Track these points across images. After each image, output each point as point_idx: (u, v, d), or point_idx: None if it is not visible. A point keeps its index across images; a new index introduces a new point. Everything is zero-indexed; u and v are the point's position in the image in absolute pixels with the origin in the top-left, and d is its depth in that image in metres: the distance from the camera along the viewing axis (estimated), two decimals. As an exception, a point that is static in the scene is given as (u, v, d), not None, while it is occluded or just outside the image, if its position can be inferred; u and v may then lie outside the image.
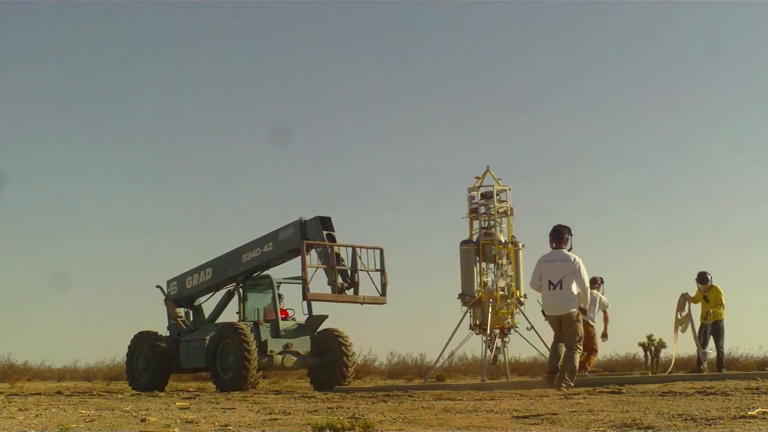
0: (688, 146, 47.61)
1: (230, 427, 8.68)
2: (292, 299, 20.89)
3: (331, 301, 18.16)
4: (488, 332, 21.48)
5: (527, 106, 48.54)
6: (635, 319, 40.53)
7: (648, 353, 29.03)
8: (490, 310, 21.64)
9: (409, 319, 41.67)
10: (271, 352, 19.03)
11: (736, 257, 44.68)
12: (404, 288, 42.12)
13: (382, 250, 18.54)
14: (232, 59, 48.15)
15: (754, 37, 46.89)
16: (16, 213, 44.71)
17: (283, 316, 20.22)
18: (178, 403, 12.87)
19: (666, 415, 8.59)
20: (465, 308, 21.95)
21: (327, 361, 19.62)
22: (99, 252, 47.86)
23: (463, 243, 22.23)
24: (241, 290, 20.25)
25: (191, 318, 21.28)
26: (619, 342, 48.23)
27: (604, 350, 37.32)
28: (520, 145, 46.94)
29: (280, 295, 20.30)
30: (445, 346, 22.21)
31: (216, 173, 48.10)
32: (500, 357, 22.38)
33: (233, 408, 11.60)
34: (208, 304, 21.33)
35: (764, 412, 8.52)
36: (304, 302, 19.62)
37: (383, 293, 18.48)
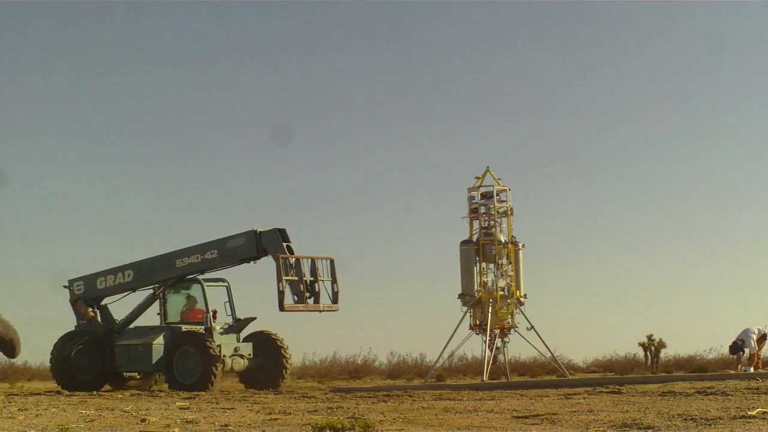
0: (688, 146, 47.55)
1: (230, 427, 8.69)
2: (212, 301, 21.06)
3: (302, 311, 18.84)
4: (488, 332, 21.50)
5: (527, 106, 48.41)
6: (635, 319, 40.51)
7: (648, 353, 29.05)
8: (490, 310, 21.66)
9: (409, 319, 41.63)
10: (224, 356, 19.41)
11: (736, 257, 44.67)
12: (404, 288, 42.12)
13: (332, 261, 19.24)
14: (232, 59, 48.08)
15: (754, 37, 46.85)
16: (16, 213, 44.68)
17: (201, 317, 20.43)
18: (178, 403, 12.87)
19: (666, 415, 8.60)
20: (465, 308, 21.97)
21: (262, 362, 19.99)
22: (99, 252, 47.77)
23: (463, 243, 22.25)
24: (162, 293, 20.48)
25: (98, 318, 21.22)
26: (619, 342, 48.18)
27: (604, 350, 37.34)
28: (520, 145, 46.85)
29: (194, 297, 20.56)
30: (445, 346, 22.26)
31: (221, 173, 47.98)
32: (500, 357, 22.40)
33: (233, 408, 11.61)
34: (119, 304, 21.39)
35: (764, 412, 8.54)
36: (226, 303, 20.29)
37: (335, 300, 19.19)
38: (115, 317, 21.11)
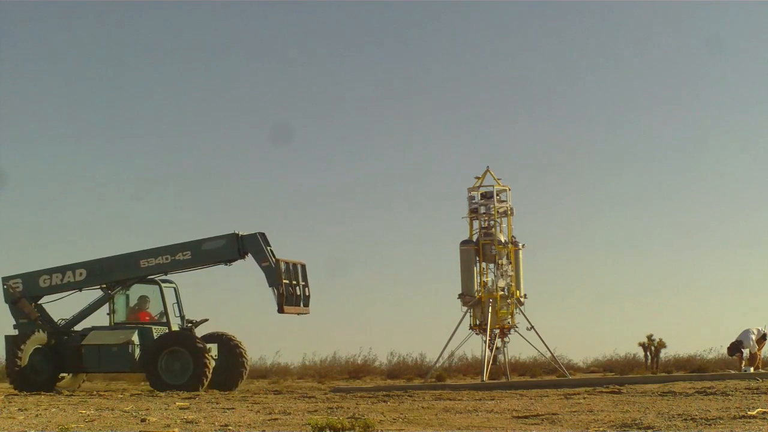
0: (688, 146, 47.59)
1: (230, 427, 8.70)
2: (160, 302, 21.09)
3: (293, 313, 19.11)
4: (488, 332, 21.52)
5: (527, 106, 48.46)
6: (635, 319, 40.53)
7: (648, 353, 29.07)
8: (490, 310, 21.68)
9: (409, 319, 41.66)
10: None
11: (736, 257, 44.69)
12: (404, 288, 42.14)
13: (304, 265, 19.51)
14: (232, 59, 48.11)
15: (754, 37, 46.88)
16: (17, 213, 44.69)
17: (149, 318, 20.38)
18: (178, 403, 12.87)
19: (666, 415, 8.61)
20: (465, 308, 21.99)
21: (220, 363, 20.04)
22: (98, 252, 47.64)
23: (463, 243, 22.27)
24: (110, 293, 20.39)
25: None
26: (619, 342, 48.18)
27: (604, 350, 37.33)
28: (520, 145, 46.88)
29: (146, 297, 20.50)
30: (445, 346, 22.29)
31: (223, 172, 47.97)
32: (500, 357, 22.42)
33: (233, 408, 11.61)
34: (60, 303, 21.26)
35: (764, 412, 8.54)
36: (174, 304, 20.29)
37: (306, 304, 19.50)
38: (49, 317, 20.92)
